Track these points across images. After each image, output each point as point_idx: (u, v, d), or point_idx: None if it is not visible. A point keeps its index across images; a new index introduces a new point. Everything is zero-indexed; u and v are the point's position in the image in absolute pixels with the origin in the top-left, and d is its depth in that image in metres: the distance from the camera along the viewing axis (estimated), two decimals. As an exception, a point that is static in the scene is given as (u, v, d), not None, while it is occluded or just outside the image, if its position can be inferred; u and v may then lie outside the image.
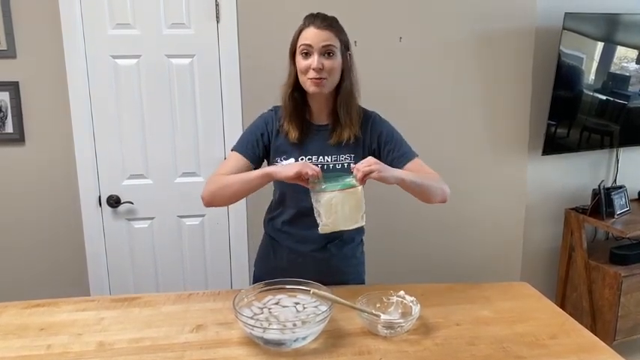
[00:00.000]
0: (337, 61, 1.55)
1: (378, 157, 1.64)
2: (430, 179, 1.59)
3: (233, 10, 2.39)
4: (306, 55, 1.53)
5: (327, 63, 1.53)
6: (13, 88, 2.32)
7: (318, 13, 1.58)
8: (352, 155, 1.63)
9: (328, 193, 1.45)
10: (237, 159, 1.62)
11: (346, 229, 1.49)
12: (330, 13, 1.61)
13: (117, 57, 2.36)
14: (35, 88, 2.34)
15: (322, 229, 1.48)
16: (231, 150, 1.66)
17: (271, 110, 1.71)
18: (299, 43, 1.55)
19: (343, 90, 1.59)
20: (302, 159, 1.61)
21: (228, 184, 1.55)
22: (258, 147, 1.65)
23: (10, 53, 2.29)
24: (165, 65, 2.40)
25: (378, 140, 1.66)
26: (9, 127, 2.35)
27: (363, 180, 1.44)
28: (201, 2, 2.37)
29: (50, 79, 2.33)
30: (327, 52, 1.53)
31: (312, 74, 1.52)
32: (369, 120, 1.67)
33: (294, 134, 1.60)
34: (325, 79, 1.54)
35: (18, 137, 2.37)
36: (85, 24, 2.31)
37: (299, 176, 1.44)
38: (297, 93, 1.60)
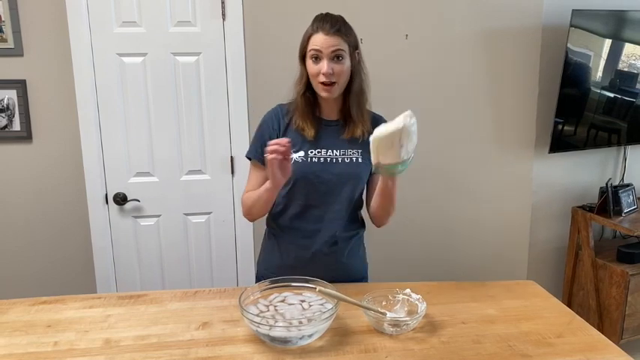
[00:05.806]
0: (346, 64, 1.59)
1: None
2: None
3: (239, 8, 2.39)
4: (316, 59, 1.57)
5: (336, 67, 1.57)
6: (21, 86, 2.33)
7: (326, 16, 1.60)
8: (360, 151, 1.67)
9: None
10: (257, 172, 1.69)
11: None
12: (335, 11, 1.62)
13: (123, 55, 2.37)
14: (42, 86, 2.35)
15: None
16: (247, 157, 1.73)
17: (276, 108, 1.73)
18: (309, 48, 1.58)
19: (354, 89, 1.64)
20: (311, 152, 1.65)
21: (253, 205, 1.66)
22: None
23: (17, 51, 2.30)
24: (171, 63, 2.40)
25: None
26: (16, 125, 2.37)
27: None
28: (207, 0, 2.37)
29: (57, 78, 2.34)
30: (336, 56, 1.56)
31: (322, 78, 1.57)
32: (378, 123, 1.68)
33: (310, 132, 1.64)
34: (335, 83, 1.58)
35: (25, 135, 2.38)
36: (91, 22, 2.32)
37: (275, 155, 1.44)
38: (309, 92, 1.65)
